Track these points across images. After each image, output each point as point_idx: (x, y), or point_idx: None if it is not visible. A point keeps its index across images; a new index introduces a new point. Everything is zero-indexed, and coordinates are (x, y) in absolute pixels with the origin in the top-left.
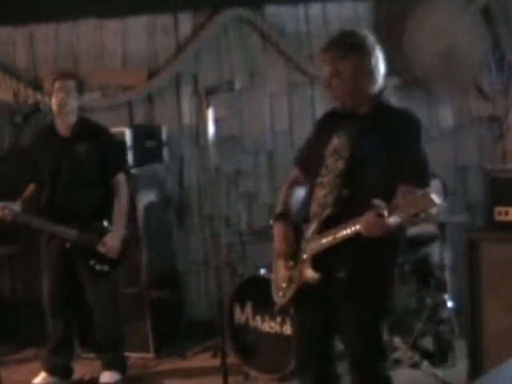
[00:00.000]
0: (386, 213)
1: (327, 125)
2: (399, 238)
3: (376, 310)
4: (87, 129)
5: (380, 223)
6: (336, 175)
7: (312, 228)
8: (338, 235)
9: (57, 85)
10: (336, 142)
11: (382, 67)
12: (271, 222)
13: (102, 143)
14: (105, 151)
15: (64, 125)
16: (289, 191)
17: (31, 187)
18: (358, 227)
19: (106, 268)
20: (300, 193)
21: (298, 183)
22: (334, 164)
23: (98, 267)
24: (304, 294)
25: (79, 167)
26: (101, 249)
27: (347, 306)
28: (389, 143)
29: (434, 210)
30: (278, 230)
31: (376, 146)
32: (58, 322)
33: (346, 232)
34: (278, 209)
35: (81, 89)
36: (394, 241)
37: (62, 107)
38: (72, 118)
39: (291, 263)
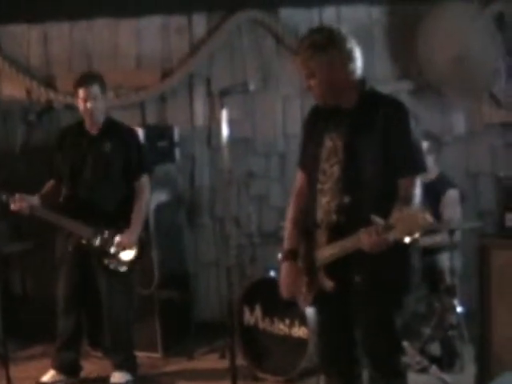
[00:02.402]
0: (380, 231)
1: (316, 123)
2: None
3: (392, 307)
4: (114, 128)
5: (376, 242)
6: (334, 182)
7: (321, 236)
8: (344, 246)
9: (81, 93)
10: (329, 144)
11: (356, 56)
12: (282, 224)
13: (128, 143)
14: (130, 152)
15: (93, 124)
16: (297, 211)
17: (51, 183)
18: (359, 243)
19: (120, 268)
20: None
21: (304, 193)
22: (330, 169)
23: (112, 266)
24: (324, 299)
25: (104, 165)
26: (116, 248)
27: (364, 306)
28: (379, 137)
29: (426, 228)
30: (284, 270)
31: (368, 145)
32: (69, 319)
33: (351, 245)
34: (286, 244)
35: (104, 87)
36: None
37: (91, 115)
38: (101, 118)
39: (308, 270)
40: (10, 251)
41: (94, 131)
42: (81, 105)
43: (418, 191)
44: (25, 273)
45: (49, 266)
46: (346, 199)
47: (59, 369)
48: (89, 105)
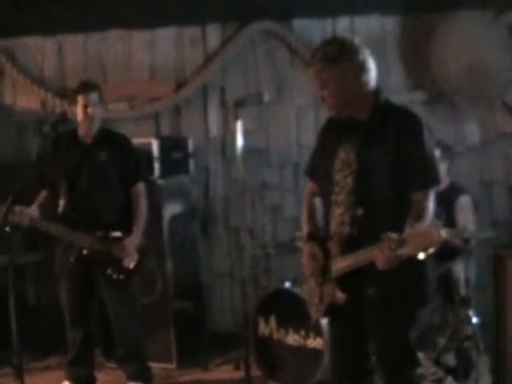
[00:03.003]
0: (394, 247)
1: (331, 134)
2: None
3: (406, 320)
4: (109, 137)
5: (389, 258)
6: (348, 193)
7: (335, 248)
8: (357, 259)
9: (81, 100)
10: (343, 155)
11: (369, 67)
12: (296, 235)
13: (123, 151)
14: (125, 160)
15: (87, 132)
16: (310, 208)
17: (44, 194)
18: (372, 257)
19: (121, 277)
20: None
21: (315, 196)
22: (344, 180)
23: (114, 276)
24: (336, 310)
25: (100, 174)
26: (117, 252)
27: (378, 319)
28: (392, 149)
29: (440, 244)
30: (306, 250)
31: (381, 157)
32: (77, 333)
33: (364, 259)
34: (305, 228)
35: (101, 96)
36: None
37: (89, 122)
38: (96, 127)
39: (321, 280)
40: (25, 262)
41: (88, 140)
42: (80, 112)
43: (431, 205)
44: (39, 284)
45: (57, 278)
46: (359, 211)
47: (73, 381)
48: (89, 111)
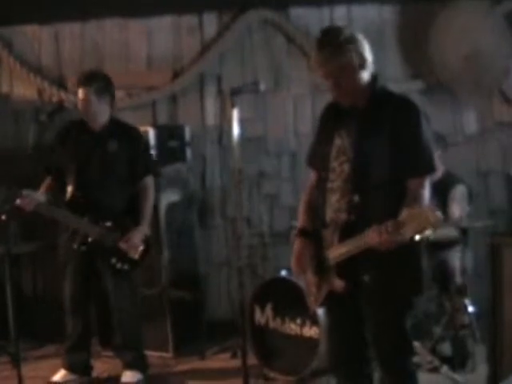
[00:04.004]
0: (390, 229)
1: (328, 121)
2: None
3: (401, 307)
4: (119, 127)
5: (385, 240)
6: (344, 180)
7: (332, 236)
8: (354, 245)
9: (79, 93)
10: (339, 142)
11: (367, 55)
12: (293, 224)
13: (133, 143)
14: (136, 151)
15: (94, 124)
16: (309, 200)
17: (47, 181)
18: (368, 241)
19: (126, 267)
20: None
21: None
22: (340, 167)
23: (118, 266)
24: (334, 299)
25: (109, 163)
26: (122, 245)
27: (373, 307)
28: (388, 136)
29: (436, 225)
30: (295, 247)
31: (377, 144)
32: (77, 320)
33: (360, 244)
34: (299, 223)
35: (106, 87)
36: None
37: (85, 114)
38: (100, 119)
39: (317, 270)
40: (21, 251)
41: (97, 129)
42: (79, 104)
43: (426, 192)
44: (36, 273)
45: (59, 267)
46: (356, 198)
47: (70, 369)
48: (84, 105)
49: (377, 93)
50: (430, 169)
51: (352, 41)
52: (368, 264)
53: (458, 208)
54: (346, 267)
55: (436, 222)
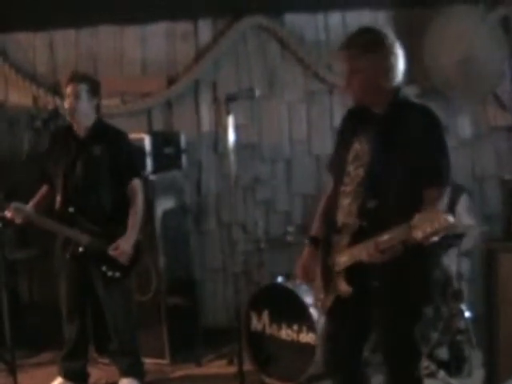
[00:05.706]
0: (372, 251)
1: (347, 127)
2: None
3: (411, 313)
4: (104, 131)
5: (374, 256)
6: (358, 184)
7: (342, 240)
8: (355, 254)
9: (68, 89)
10: (357, 147)
11: (401, 64)
12: (289, 229)
13: (118, 147)
14: (121, 155)
15: (79, 127)
16: (326, 207)
17: (44, 189)
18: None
19: (117, 274)
20: None
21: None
22: (355, 172)
23: (110, 273)
24: (341, 303)
25: (94, 169)
26: (112, 252)
27: (383, 312)
28: (407, 145)
29: (449, 228)
30: (304, 253)
31: (395, 151)
32: (72, 327)
33: (359, 254)
34: (312, 230)
35: (96, 91)
36: (425, 247)
37: (71, 112)
38: (86, 121)
39: (325, 275)
40: (17, 258)
41: (82, 134)
42: (65, 102)
43: (444, 203)
44: (32, 279)
45: (56, 273)
46: (371, 204)
47: (66, 376)
48: (70, 100)
49: (398, 101)
50: (448, 180)
51: (388, 44)
52: (378, 270)
53: (467, 218)
54: (354, 273)
55: (447, 225)
